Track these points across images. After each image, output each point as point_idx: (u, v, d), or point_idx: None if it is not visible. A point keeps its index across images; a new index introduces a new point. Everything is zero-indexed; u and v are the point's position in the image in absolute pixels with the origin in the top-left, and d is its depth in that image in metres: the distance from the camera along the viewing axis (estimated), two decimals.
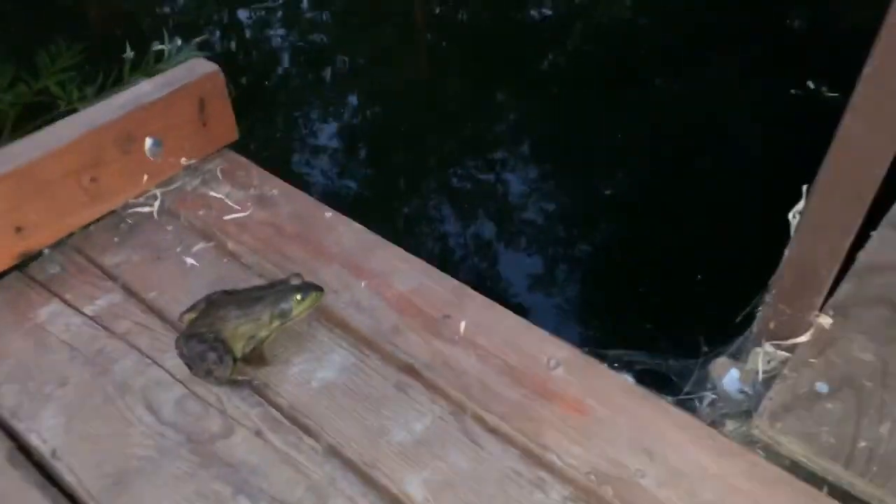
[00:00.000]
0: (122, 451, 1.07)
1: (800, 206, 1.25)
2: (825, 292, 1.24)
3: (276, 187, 1.49)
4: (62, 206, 1.29)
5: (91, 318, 1.25)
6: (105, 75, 2.76)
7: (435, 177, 3.24)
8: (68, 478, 1.04)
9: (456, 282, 1.31)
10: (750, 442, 1.14)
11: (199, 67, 1.43)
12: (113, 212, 1.41)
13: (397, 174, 3.31)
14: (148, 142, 1.37)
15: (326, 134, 3.55)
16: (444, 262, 2.65)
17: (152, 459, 1.06)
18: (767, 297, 1.26)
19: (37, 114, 2.69)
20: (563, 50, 4.09)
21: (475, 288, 1.31)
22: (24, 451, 1.08)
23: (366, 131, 3.62)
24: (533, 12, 4.39)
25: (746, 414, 1.17)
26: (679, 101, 3.38)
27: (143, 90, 1.37)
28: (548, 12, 4.39)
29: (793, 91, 3.28)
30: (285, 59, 4.11)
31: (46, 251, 1.35)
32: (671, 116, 3.23)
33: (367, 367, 1.18)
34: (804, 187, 1.20)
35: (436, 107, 3.62)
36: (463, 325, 1.23)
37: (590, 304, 2.28)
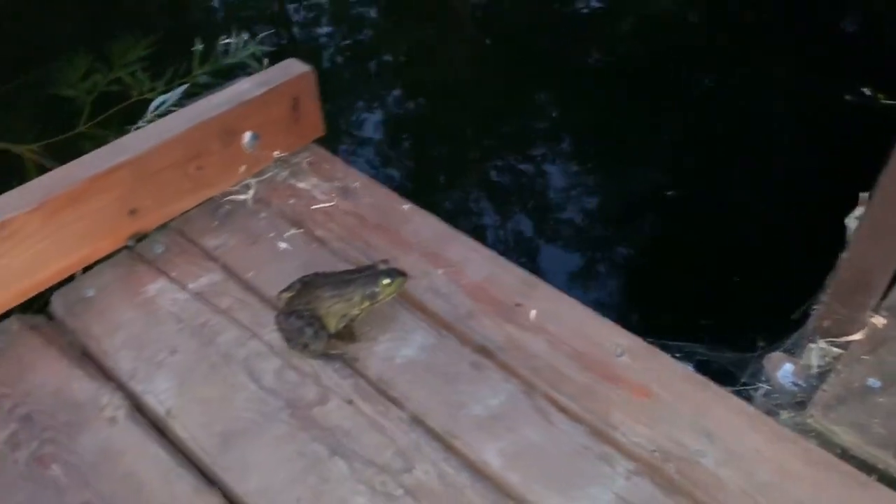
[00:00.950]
0: (229, 414, 1.19)
1: (857, 211, 1.33)
2: (880, 294, 1.31)
3: (357, 180, 1.61)
4: (169, 192, 1.42)
5: (195, 293, 1.37)
6: (176, 68, 2.89)
7: (476, 171, 3.26)
8: (182, 434, 1.17)
9: (525, 272, 1.41)
10: (803, 431, 1.21)
11: (293, 68, 1.55)
12: (211, 198, 1.54)
13: (438, 168, 3.36)
14: (246, 136, 1.50)
15: (369, 127, 3.58)
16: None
17: (256, 422, 1.18)
18: (823, 297, 1.33)
19: (111, 102, 2.84)
20: (607, 44, 4.02)
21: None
22: (141, 410, 1.21)
23: (408, 125, 3.63)
24: (579, 4, 4.34)
25: (800, 405, 1.25)
26: (727, 102, 3.35)
27: (243, 88, 1.50)
28: (596, 4, 4.32)
29: (847, 97, 3.29)
30: (331, 54, 4.19)
31: (152, 233, 1.49)
32: (720, 116, 3.22)
33: (445, 346, 1.28)
34: (862, 194, 1.27)
35: (478, 101, 3.61)
36: (533, 312, 1.33)
37: (649, 298, 2.33)
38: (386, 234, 1.49)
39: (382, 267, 1.29)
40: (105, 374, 1.26)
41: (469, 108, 3.58)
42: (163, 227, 1.50)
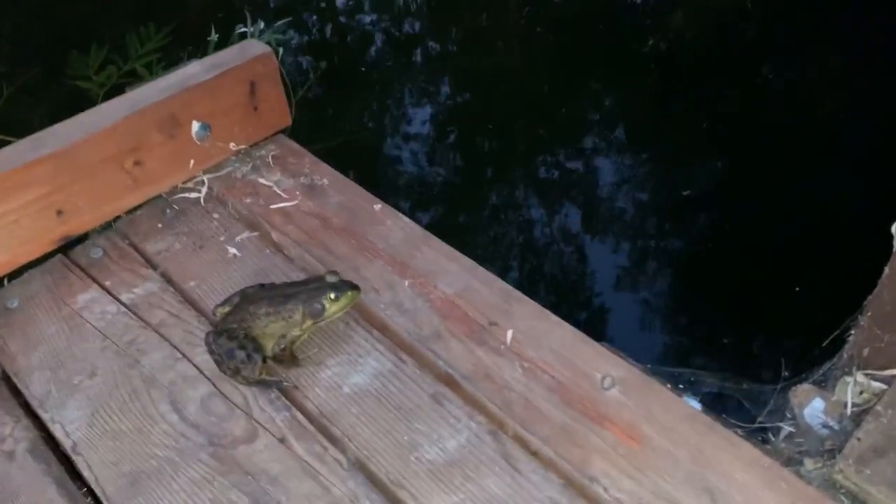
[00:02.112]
0: (142, 450, 1.02)
1: None
2: None
3: (326, 176, 1.42)
4: (105, 190, 1.26)
5: (127, 306, 1.21)
6: (189, 57, 2.78)
7: (525, 163, 3.14)
8: (85, 473, 1.01)
9: (506, 285, 1.21)
10: (832, 487, 0.99)
11: (250, 49, 1.37)
12: (160, 197, 1.38)
13: (486, 160, 3.23)
14: (195, 126, 1.33)
15: (416, 118, 3.51)
16: (517, 251, 2.54)
17: (171, 461, 1.01)
18: (862, 320, 1.10)
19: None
20: (661, 33, 3.86)
21: (528, 292, 1.21)
22: (46, 442, 1.05)
23: (455, 116, 3.55)
24: None
25: (829, 453, 1.02)
26: (786, 95, 3.13)
27: (190, 72, 1.33)
28: None
29: None
30: (377, 43, 4.08)
31: (91, 235, 1.33)
32: (775, 111, 2.99)
33: (402, 374, 1.10)
34: None
35: (527, 92, 3.50)
36: (510, 334, 1.13)
37: (656, 311, 2.10)
38: (351, 238, 1.30)
39: (330, 279, 1.10)
40: (15, 398, 1.11)
41: (518, 99, 3.47)
42: (105, 228, 1.35)
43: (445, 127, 3.47)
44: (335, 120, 3.49)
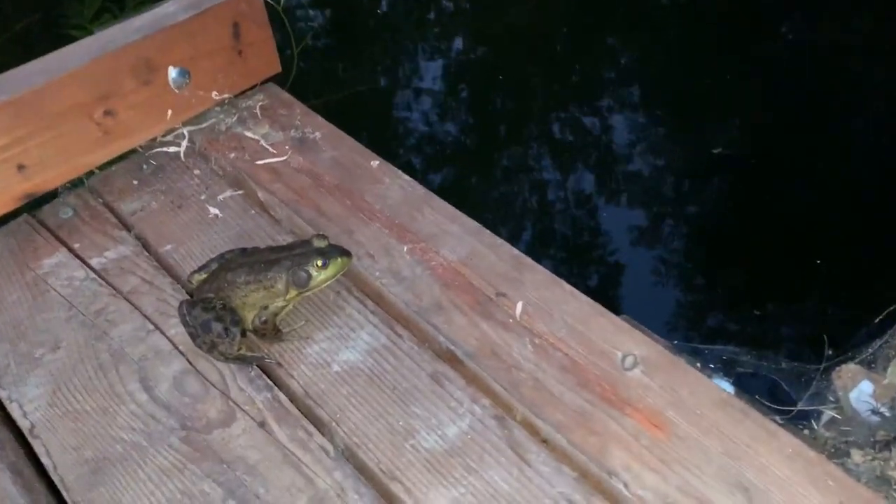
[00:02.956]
0: (106, 433, 0.92)
1: None
2: None
3: (319, 129, 1.29)
4: (72, 143, 1.14)
5: (97, 272, 1.10)
6: None
7: (540, 122, 2.99)
8: (44, 459, 0.90)
9: (514, 250, 1.09)
10: (885, 484, 0.87)
11: None
12: (135, 151, 1.25)
13: (498, 118, 3.10)
14: (172, 71, 1.20)
15: (428, 76, 3.37)
16: (528, 213, 2.41)
17: (139, 446, 0.90)
18: None
19: None
20: None
21: (539, 259, 1.08)
22: (3, 423, 0.95)
23: (469, 74, 3.40)
24: None
25: (882, 445, 0.90)
26: (811, 53, 2.95)
27: (167, 11, 1.19)
28: None
29: None
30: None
31: (61, 193, 1.22)
32: (801, 69, 2.82)
33: (399, 350, 0.98)
34: None
35: (542, 48, 3.35)
36: (520, 305, 1.01)
37: (687, 281, 1.94)
38: (345, 197, 1.18)
39: (318, 244, 0.98)
40: None
41: (533, 56, 3.31)
42: (76, 185, 1.23)
43: (457, 83, 3.33)
44: (342, 72, 3.34)
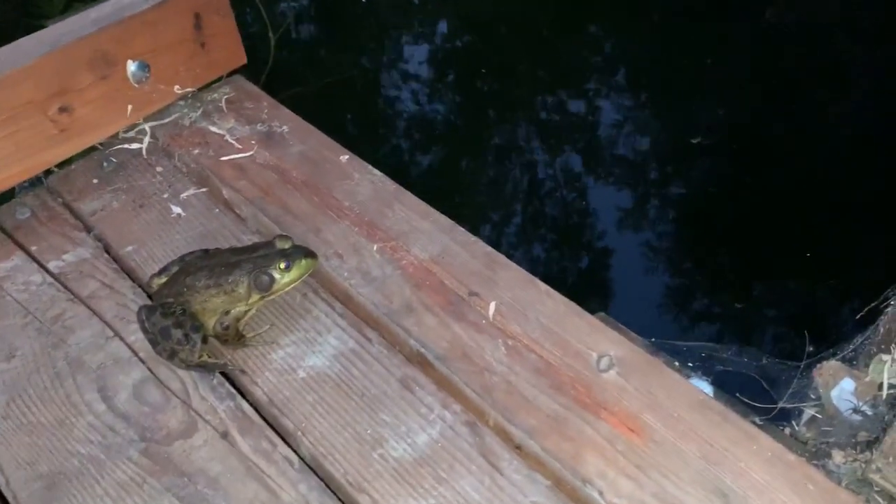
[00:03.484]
0: (62, 447, 0.88)
1: None
2: None
3: (287, 122, 1.25)
4: (26, 141, 1.09)
5: (55, 276, 1.06)
6: None
7: (525, 106, 2.95)
8: None
9: (488, 248, 1.05)
10: (865, 486, 0.85)
11: None
12: (95, 148, 1.21)
13: (484, 102, 3.05)
14: (130, 65, 1.15)
15: (413, 61, 3.31)
16: (504, 203, 2.38)
17: (96, 460, 0.87)
18: None
19: None
20: None
21: (512, 253, 1.05)
22: None
23: (454, 58, 3.35)
24: None
25: (863, 445, 0.88)
26: (794, 35, 2.91)
27: (124, 2, 1.14)
28: None
29: None
30: None
31: (18, 192, 1.17)
32: (784, 51, 2.78)
33: (367, 354, 0.95)
34: None
35: (527, 32, 3.30)
36: (493, 306, 0.98)
37: (664, 274, 1.91)
38: (313, 194, 1.14)
39: (281, 245, 0.94)
40: None
41: (517, 39, 3.25)
42: (34, 185, 1.19)
43: (442, 69, 3.27)
44: (324, 60, 3.29)
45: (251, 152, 1.20)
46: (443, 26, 3.57)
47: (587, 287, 1.73)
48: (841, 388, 0.96)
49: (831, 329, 1.01)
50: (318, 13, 3.72)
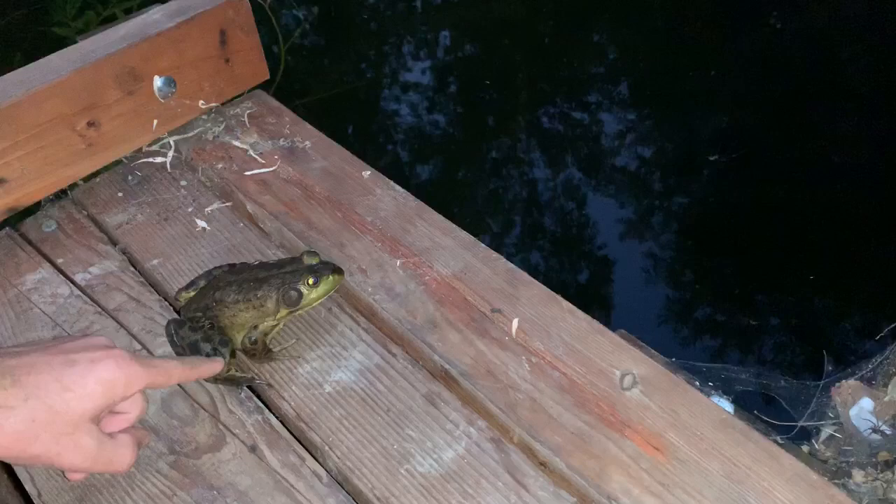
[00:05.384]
0: None
1: None
2: None
3: (309, 137, 1.27)
4: (55, 156, 1.11)
5: (82, 288, 1.07)
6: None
7: (526, 117, 2.97)
8: (27, 486, 0.87)
9: (510, 264, 1.06)
10: None
11: None
12: (120, 162, 1.22)
13: (486, 113, 3.07)
14: (157, 81, 1.16)
15: (414, 70, 3.34)
16: (516, 217, 2.40)
17: (127, 472, 0.88)
18: None
19: None
20: None
21: (531, 269, 1.06)
22: None
23: (454, 67, 3.37)
24: None
25: (884, 465, 0.89)
26: (800, 42, 2.94)
27: (152, 19, 1.16)
28: None
29: None
30: None
31: (44, 205, 1.18)
32: (789, 60, 2.80)
33: (392, 370, 0.96)
34: None
35: (528, 42, 3.33)
36: (515, 322, 0.99)
37: (684, 296, 1.91)
38: (336, 209, 1.15)
39: (309, 261, 0.96)
40: None
41: (519, 49, 3.28)
42: (60, 197, 1.20)
43: (443, 79, 3.29)
44: (329, 70, 3.32)
45: (274, 167, 1.21)
46: (443, 34, 3.60)
47: (600, 304, 1.75)
48: (860, 407, 0.97)
49: (850, 349, 1.02)
50: (322, 23, 3.75)
